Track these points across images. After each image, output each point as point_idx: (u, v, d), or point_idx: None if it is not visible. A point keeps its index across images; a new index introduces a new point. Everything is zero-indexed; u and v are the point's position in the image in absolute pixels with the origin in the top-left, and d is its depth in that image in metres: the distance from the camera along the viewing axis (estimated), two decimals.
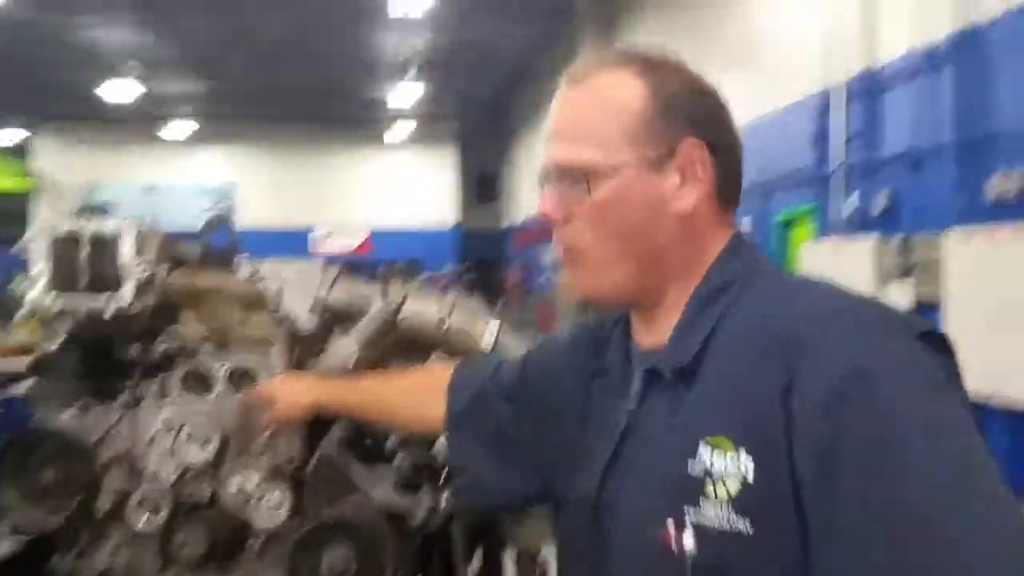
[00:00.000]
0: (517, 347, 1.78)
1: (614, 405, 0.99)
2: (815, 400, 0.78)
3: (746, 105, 8.89)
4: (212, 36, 15.59)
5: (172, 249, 1.79)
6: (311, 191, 22.10)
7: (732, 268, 0.95)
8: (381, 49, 18.66)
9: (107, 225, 1.71)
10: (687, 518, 0.84)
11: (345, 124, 22.52)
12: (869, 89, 7.47)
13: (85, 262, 1.71)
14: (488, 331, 1.77)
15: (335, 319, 1.78)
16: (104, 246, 1.71)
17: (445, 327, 1.76)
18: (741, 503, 0.81)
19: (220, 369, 1.77)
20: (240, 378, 1.77)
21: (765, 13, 9.21)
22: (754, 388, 0.83)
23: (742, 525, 0.80)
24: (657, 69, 0.95)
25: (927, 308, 6.15)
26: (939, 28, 6.51)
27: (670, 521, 0.85)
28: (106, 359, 1.78)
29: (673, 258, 0.95)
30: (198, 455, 1.69)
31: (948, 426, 0.76)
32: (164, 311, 1.77)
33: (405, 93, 20.39)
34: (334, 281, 1.77)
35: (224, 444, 1.71)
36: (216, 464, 1.70)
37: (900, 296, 6.47)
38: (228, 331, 1.79)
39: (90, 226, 1.72)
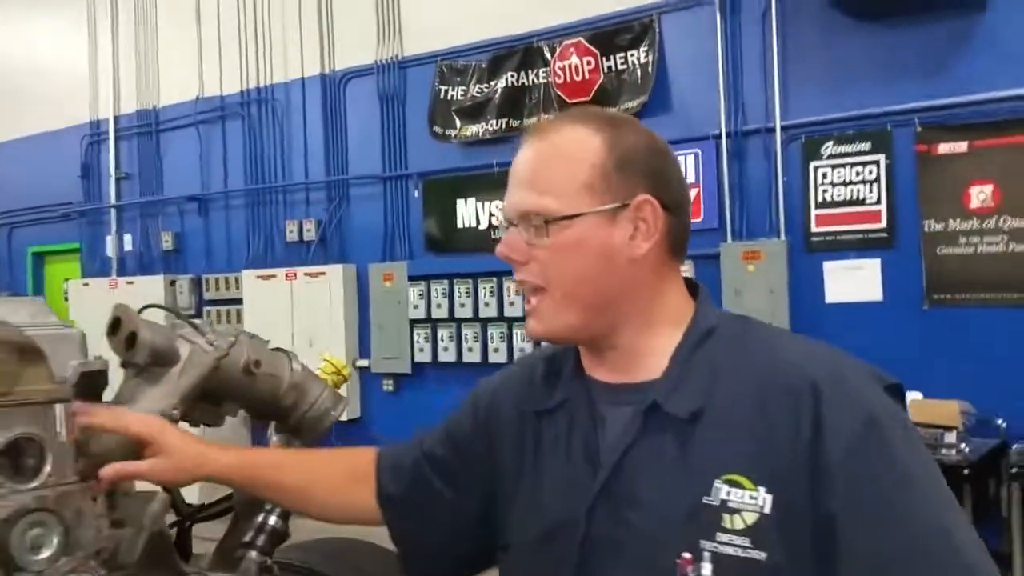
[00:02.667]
0: (321, 386, 1.68)
1: (584, 440, 1.02)
2: (841, 446, 0.87)
3: None
4: None
5: None
6: None
7: (712, 314, 1.04)
8: None
9: None
10: (704, 548, 0.89)
11: None
12: (147, 130, 7.51)
13: None
14: (293, 370, 1.64)
15: (150, 365, 1.41)
16: None
17: (255, 369, 1.57)
18: (758, 533, 0.88)
19: None
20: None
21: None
22: (772, 431, 0.90)
23: (758, 553, 0.87)
24: (615, 127, 1.01)
25: None
26: (230, 83, 7.01)
27: (686, 553, 0.90)
28: None
29: (626, 303, 1.01)
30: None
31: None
32: None
33: None
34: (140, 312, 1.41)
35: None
36: None
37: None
38: None
39: None
